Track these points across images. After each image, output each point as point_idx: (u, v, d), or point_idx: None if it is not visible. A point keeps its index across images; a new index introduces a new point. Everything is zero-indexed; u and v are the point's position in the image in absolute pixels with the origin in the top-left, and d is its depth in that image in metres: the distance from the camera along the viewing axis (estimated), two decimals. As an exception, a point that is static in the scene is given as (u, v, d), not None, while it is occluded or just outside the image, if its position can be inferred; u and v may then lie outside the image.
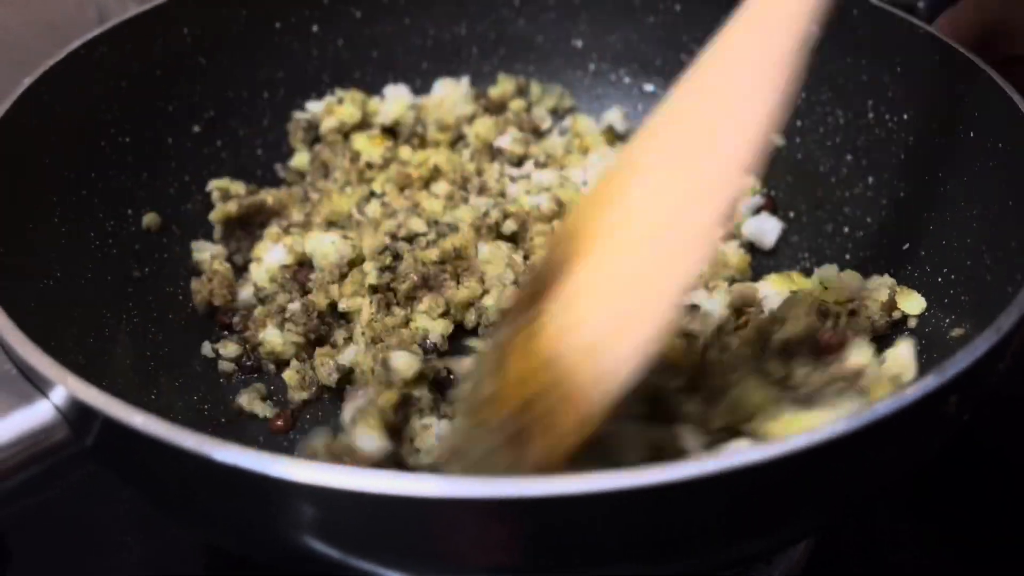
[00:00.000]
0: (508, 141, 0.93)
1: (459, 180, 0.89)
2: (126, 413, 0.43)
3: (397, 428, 0.65)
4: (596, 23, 0.98)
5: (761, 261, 0.84)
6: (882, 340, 0.69)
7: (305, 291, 0.78)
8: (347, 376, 0.73)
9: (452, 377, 0.72)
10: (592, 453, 0.51)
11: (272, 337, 0.75)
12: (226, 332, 0.79)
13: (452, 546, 0.44)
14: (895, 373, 0.63)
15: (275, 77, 0.92)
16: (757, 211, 0.88)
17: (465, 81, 0.98)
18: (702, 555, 0.48)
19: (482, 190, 0.87)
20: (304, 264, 0.81)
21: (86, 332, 0.67)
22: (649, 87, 0.98)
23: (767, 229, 0.85)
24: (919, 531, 0.70)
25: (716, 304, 0.75)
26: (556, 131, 0.98)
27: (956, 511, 0.71)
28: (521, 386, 0.52)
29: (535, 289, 0.56)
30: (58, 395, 0.48)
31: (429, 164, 0.89)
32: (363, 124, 0.93)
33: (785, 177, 0.89)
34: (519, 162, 0.93)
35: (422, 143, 0.94)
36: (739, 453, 0.40)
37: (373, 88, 0.96)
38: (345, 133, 0.93)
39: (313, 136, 0.94)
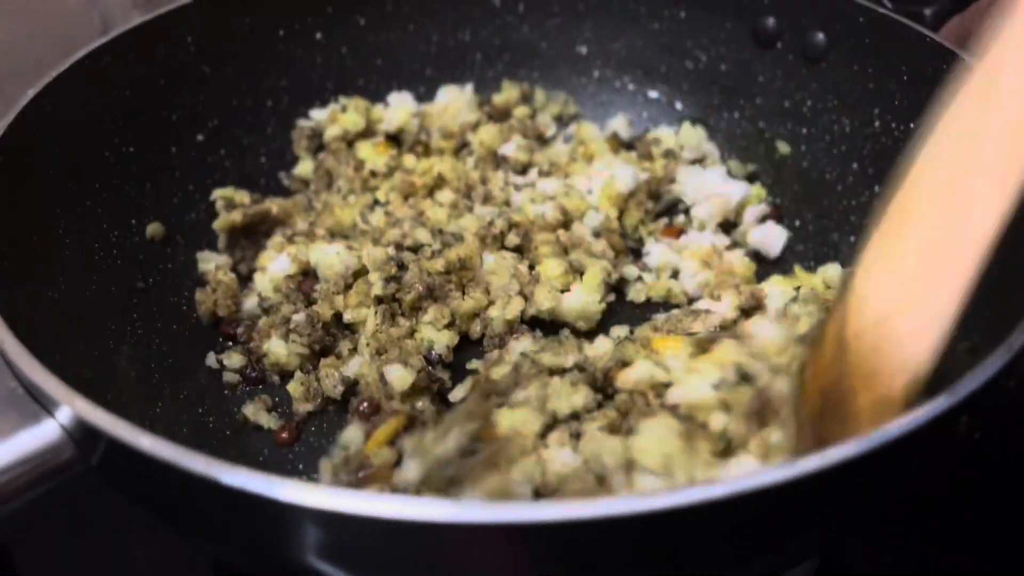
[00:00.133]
0: (512, 149, 0.92)
1: (463, 188, 0.88)
2: (133, 435, 0.43)
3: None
4: (601, 30, 0.97)
5: (768, 269, 0.84)
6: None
7: (310, 301, 0.78)
8: (352, 388, 0.73)
9: (451, 387, 0.72)
10: None
11: (276, 348, 0.75)
12: (230, 343, 0.78)
13: (461, 570, 0.44)
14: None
15: (279, 85, 0.92)
16: (763, 219, 0.87)
17: (469, 88, 0.97)
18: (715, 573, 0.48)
19: (486, 199, 0.87)
20: (308, 274, 0.80)
21: (91, 345, 0.67)
22: (653, 94, 0.98)
23: (773, 237, 0.85)
24: (925, 541, 0.70)
25: (725, 306, 0.76)
26: (560, 138, 0.98)
27: (964, 523, 0.71)
28: (823, 373, 0.52)
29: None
30: (64, 415, 0.48)
31: (433, 172, 0.89)
32: (367, 132, 0.93)
33: (791, 185, 0.89)
34: (523, 170, 0.93)
35: (426, 151, 0.94)
36: (751, 477, 0.39)
37: (377, 96, 0.96)
38: (349, 141, 0.93)
39: (317, 144, 0.93)
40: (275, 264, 0.81)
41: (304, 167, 0.92)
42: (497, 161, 0.93)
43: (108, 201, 0.76)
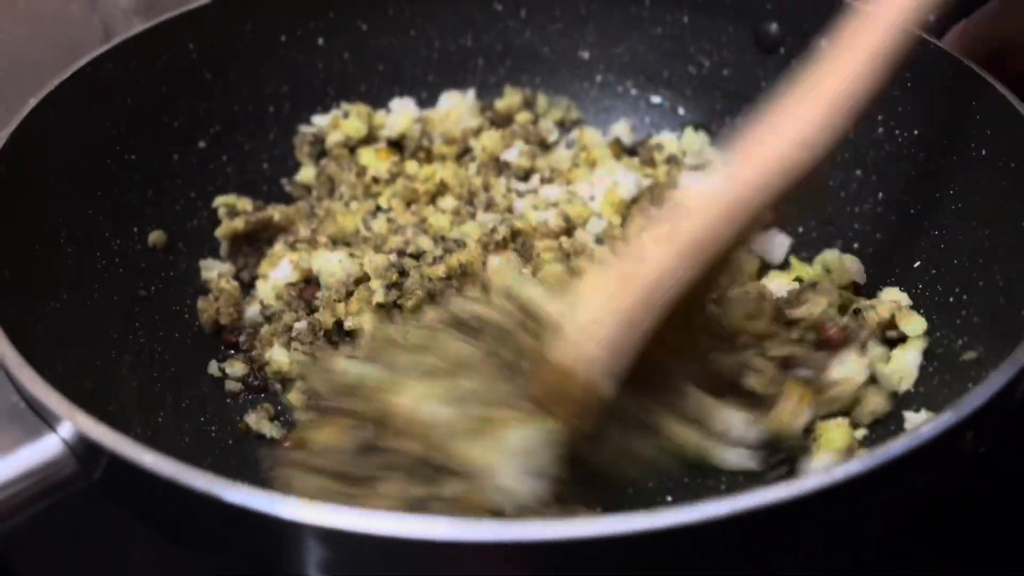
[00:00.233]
0: (515, 154, 0.92)
1: (466, 195, 0.88)
2: (135, 452, 0.43)
3: None
4: (603, 34, 0.97)
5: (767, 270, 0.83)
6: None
7: (312, 309, 0.78)
8: (354, 396, 0.73)
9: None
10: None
11: (278, 356, 0.75)
12: (232, 351, 0.78)
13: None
14: (893, 381, 0.66)
15: (281, 91, 0.92)
16: (765, 226, 0.87)
17: (471, 94, 0.97)
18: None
19: (489, 205, 0.87)
20: (311, 281, 0.80)
21: (92, 354, 0.67)
22: (656, 99, 0.98)
23: (775, 244, 0.85)
24: (929, 557, 0.69)
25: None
26: (563, 143, 0.98)
27: (971, 537, 0.70)
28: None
29: None
30: (66, 430, 0.48)
31: (435, 179, 0.89)
32: (369, 138, 0.93)
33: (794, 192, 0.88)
34: (526, 176, 0.92)
35: (428, 157, 0.94)
36: (755, 494, 0.39)
37: (379, 101, 0.96)
38: (351, 147, 0.93)
39: (319, 150, 0.93)
40: (277, 271, 0.81)
41: (306, 173, 0.92)
42: (499, 167, 0.92)
43: (110, 209, 0.76)
